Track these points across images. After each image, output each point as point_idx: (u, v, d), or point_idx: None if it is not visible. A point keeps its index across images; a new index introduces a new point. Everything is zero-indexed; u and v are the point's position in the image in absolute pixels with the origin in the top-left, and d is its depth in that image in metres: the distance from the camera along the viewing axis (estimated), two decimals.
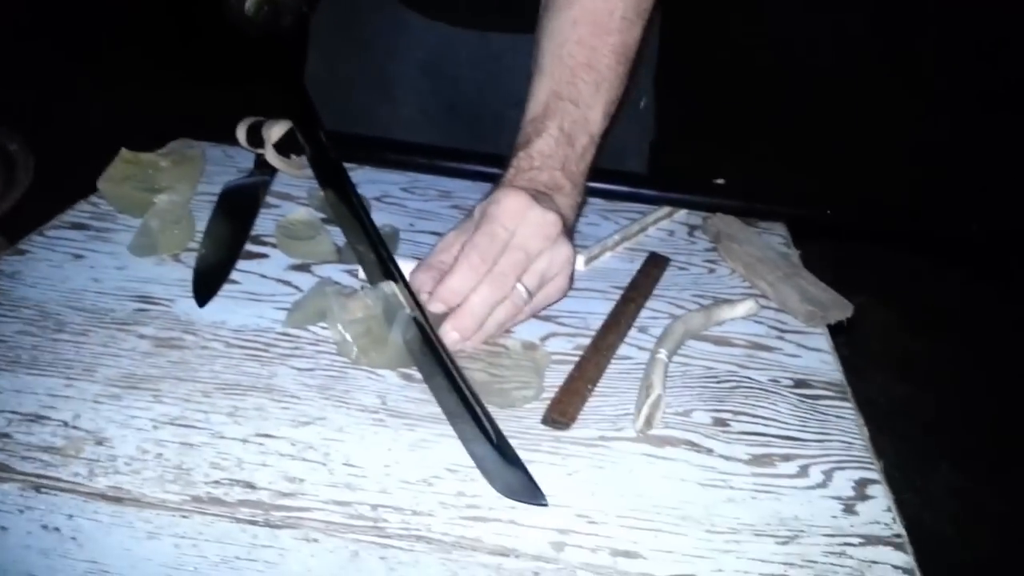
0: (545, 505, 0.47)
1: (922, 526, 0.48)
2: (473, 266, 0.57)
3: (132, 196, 0.72)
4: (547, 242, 0.59)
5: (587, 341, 0.62)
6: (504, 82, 0.93)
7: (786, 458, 0.53)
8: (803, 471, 0.52)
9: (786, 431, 0.55)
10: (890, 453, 0.60)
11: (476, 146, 0.86)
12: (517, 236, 0.58)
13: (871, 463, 0.53)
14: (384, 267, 0.61)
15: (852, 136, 2.98)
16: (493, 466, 0.48)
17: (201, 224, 0.71)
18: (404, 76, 0.96)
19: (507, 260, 0.58)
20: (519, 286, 0.59)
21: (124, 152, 0.75)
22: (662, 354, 0.58)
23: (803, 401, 0.58)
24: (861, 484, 0.51)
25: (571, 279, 0.63)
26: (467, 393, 0.52)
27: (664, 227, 0.81)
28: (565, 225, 0.61)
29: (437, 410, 0.53)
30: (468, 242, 0.58)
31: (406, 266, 0.63)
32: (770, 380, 0.60)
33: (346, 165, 0.76)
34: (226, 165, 0.84)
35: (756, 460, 0.52)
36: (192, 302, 0.62)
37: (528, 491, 0.47)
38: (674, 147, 1.29)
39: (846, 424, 0.56)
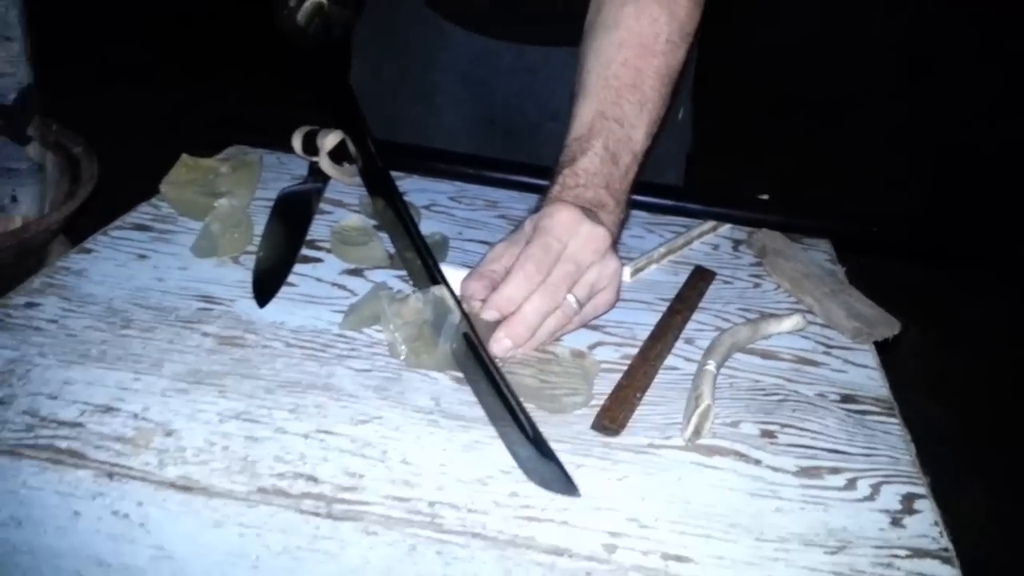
0: (578, 496, 0.49)
1: (955, 547, 0.47)
2: (528, 275, 0.58)
3: (193, 200, 0.74)
4: (597, 255, 0.61)
5: (634, 351, 0.63)
6: (540, 94, 0.95)
7: (834, 471, 0.53)
8: (851, 484, 0.52)
9: (834, 444, 0.56)
10: (924, 474, 0.60)
11: (512, 157, 0.88)
12: (569, 248, 0.60)
13: (918, 478, 0.54)
14: (430, 274, 0.62)
15: (885, 144, 2.97)
16: (530, 460, 0.50)
17: (258, 228, 0.74)
18: (445, 85, 0.98)
19: (560, 271, 0.59)
20: (570, 297, 0.60)
21: (185, 157, 0.78)
22: (711, 365, 0.59)
23: (850, 416, 0.59)
24: (908, 499, 0.52)
25: (618, 293, 0.64)
26: (507, 393, 0.53)
27: (708, 241, 0.82)
28: (612, 241, 0.62)
29: None
30: (523, 253, 0.60)
31: (457, 274, 0.65)
32: (817, 394, 0.61)
33: (395, 174, 0.78)
34: (280, 172, 0.86)
35: (804, 472, 0.53)
36: (252, 303, 0.64)
37: (562, 483, 0.49)
38: (709, 159, 1.30)
39: (893, 440, 0.57)
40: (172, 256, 0.70)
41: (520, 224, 0.65)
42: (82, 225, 0.75)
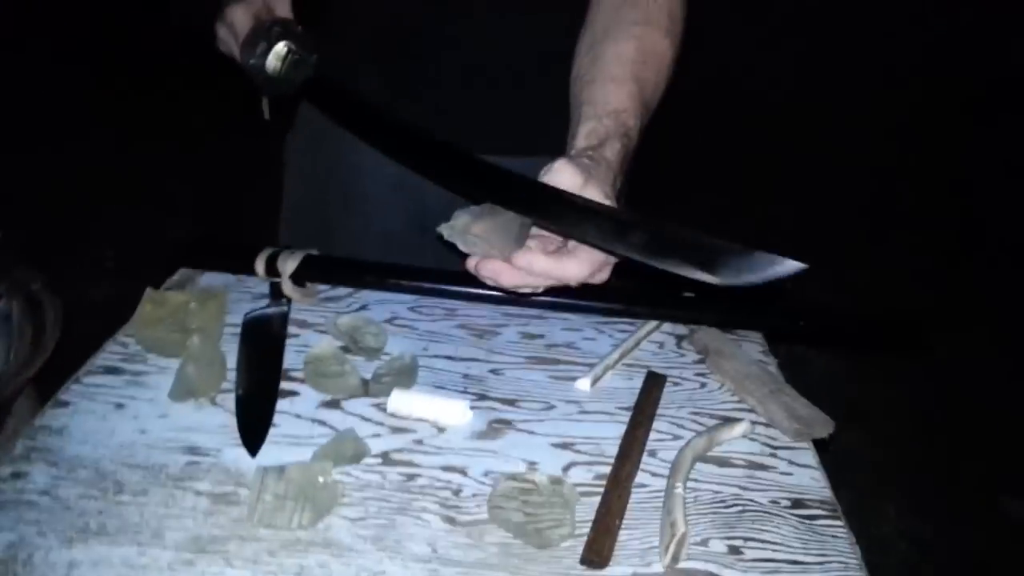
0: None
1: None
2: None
3: (166, 338, 0.75)
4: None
5: (605, 469, 0.68)
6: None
7: None
8: None
9: (792, 555, 0.62)
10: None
11: (446, 263, 0.89)
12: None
13: None
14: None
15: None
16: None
17: (229, 357, 0.75)
18: (373, 193, 1.01)
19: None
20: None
21: (151, 292, 0.79)
22: (679, 488, 0.64)
23: (802, 522, 0.65)
24: None
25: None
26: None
27: (654, 339, 0.88)
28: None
29: (483, 555, 0.59)
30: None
31: (425, 398, 0.71)
32: (771, 502, 0.67)
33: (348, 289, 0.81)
34: (240, 291, 0.88)
35: None
36: (238, 450, 0.66)
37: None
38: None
39: (841, 544, 0.64)
40: (149, 403, 0.71)
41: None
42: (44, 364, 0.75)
